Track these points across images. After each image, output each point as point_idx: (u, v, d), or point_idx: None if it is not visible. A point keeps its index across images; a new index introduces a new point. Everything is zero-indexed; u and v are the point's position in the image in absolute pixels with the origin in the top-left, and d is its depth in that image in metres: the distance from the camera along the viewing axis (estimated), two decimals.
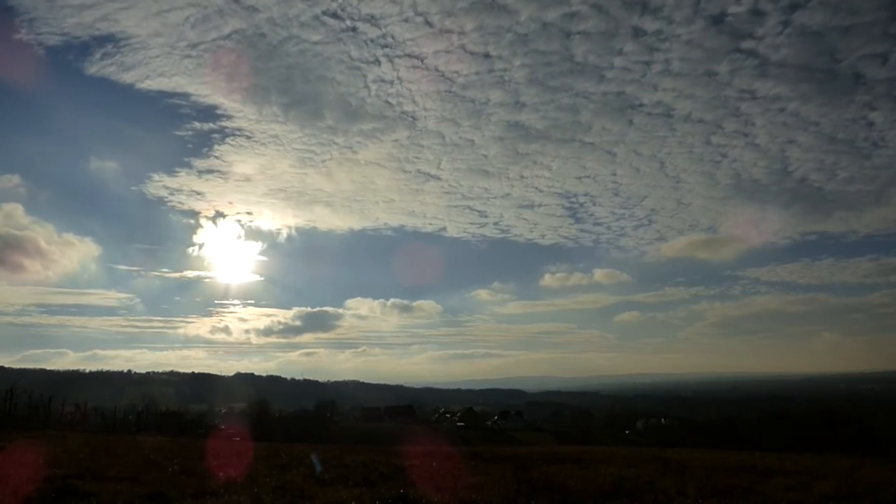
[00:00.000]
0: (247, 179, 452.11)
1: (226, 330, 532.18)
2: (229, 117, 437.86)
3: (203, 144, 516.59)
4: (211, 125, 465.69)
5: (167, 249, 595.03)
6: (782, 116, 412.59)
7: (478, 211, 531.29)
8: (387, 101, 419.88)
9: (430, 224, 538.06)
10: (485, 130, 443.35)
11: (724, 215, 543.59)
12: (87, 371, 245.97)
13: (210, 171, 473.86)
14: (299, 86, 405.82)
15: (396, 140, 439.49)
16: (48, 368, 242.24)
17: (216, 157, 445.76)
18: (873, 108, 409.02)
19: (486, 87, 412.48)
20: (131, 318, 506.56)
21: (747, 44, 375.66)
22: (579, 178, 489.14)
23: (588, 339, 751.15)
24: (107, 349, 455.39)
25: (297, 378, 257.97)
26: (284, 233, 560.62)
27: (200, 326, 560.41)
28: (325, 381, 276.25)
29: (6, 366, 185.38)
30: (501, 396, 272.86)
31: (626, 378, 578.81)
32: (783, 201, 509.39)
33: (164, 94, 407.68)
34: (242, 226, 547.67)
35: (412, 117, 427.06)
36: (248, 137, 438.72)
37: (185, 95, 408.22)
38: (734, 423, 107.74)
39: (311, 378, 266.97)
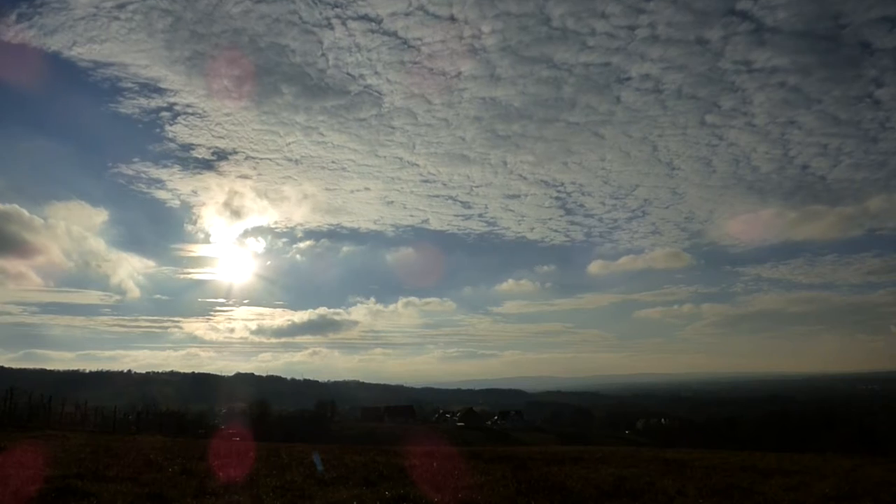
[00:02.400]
0: (208, 167, 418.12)
1: (226, 329, 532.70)
2: (175, 92, 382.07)
3: (153, 125, 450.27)
4: (158, 102, 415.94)
5: (155, 246, 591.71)
6: (782, 92, 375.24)
7: (461, 202, 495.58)
8: (347, 73, 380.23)
9: (412, 216, 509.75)
10: (458, 108, 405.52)
11: (722, 206, 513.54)
12: (87, 371, 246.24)
13: (167, 157, 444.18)
14: (249, 55, 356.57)
15: (364, 119, 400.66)
16: (48, 368, 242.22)
17: (169, 139, 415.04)
18: (880, 84, 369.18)
19: (455, 56, 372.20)
20: (130, 317, 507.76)
21: (742, 4, 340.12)
22: (565, 163, 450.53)
23: (588, 339, 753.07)
24: (107, 349, 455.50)
25: (298, 378, 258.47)
26: (261, 228, 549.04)
27: (198, 326, 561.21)
28: (326, 381, 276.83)
29: (6, 366, 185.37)
30: (501, 396, 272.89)
31: (626, 378, 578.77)
32: (784, 192, 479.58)
33: (98, 65, 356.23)
34: (218, 219, 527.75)
35: (378, 92, 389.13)
36: (202, 117, 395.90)
37: (123, 66, 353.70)
38: (734, 423, 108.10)
39: (312, 378, 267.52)
